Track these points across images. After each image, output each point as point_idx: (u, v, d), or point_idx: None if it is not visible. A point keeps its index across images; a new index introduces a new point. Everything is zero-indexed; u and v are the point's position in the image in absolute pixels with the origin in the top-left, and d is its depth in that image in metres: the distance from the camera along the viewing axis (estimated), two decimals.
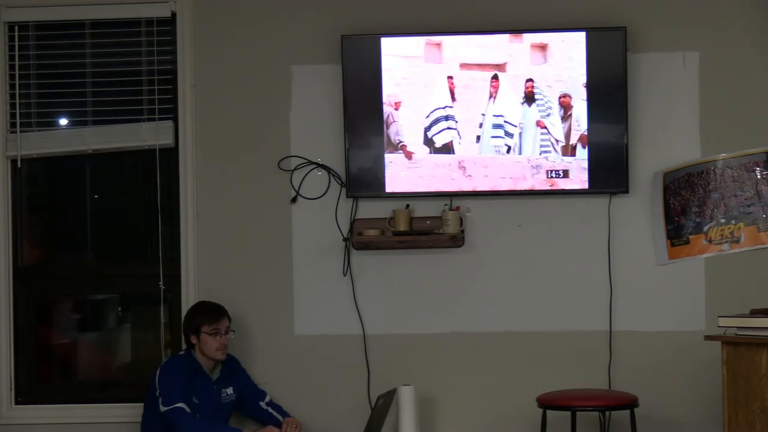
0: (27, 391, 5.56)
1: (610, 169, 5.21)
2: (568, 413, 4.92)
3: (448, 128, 5.25)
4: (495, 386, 5.30)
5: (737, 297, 5.01)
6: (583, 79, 5.18)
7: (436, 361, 5.33)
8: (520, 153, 5.23)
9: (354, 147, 5.28)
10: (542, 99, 5.21)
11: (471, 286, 5.33)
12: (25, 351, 5.56)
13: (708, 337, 4.49)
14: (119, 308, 5.67)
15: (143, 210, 5.58)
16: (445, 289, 5.34)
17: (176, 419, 4.83)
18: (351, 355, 5.36)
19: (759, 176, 5.17)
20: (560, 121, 5.20)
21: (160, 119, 5.46)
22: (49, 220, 5.70)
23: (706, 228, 5.21)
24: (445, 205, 5.30)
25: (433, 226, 5.28)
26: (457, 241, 5.26)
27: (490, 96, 5.23)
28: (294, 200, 5.40)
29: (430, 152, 5.26)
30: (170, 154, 5.49)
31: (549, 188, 5.23)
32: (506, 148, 5.23)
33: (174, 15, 5.45)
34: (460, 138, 5.24)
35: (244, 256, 5.40)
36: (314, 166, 5.40)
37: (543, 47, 5.20)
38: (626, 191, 5.23)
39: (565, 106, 5.20)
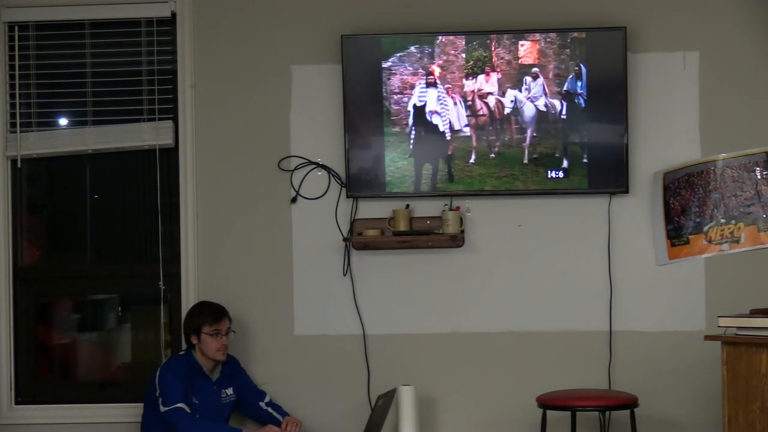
0: (27, 391, 5.56)
1: (610, 169, 5.21)
2: (568, 413, 4.92)
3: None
4: (495, 386, 5.30)
5: (737, 297, 5.01)
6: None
7: (436, 361, 5.33)
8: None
9: (354, 147, 5.28)
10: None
11: (471, 286, 5.33)
12: (25, 351, 5.56)
13: (708, 337, 4.49)
14: (119, 308, 5.67)
15: (143, 210, 5.58)
16: (445, 289, 5.34)
17: (176, 419, 4.83)
18: (351, 355, 5.36)
19: (759, 176, 5.17)
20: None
21: (160, 119, 5.46)
22: (49, 220, 5.70)
23: (706, 228, 5.21)
24: (445, 205, 5.30)
25: (433, 226, 5.28)
26: (457, 241, 5.26)
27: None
28: (294, 200, 5.40)
29: None
30: (170, 154, 5.49)
31: (549, 188, 5.23)
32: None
33: (174, 15, 5.45)
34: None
35: (244, 256, 5.40)
36: (314, 166, 5.40)
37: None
38: (626, 191, 5.23)
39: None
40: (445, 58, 5.25)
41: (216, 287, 5.36)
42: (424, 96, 5.25)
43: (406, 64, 5.25)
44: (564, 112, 5.20)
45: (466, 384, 5.32)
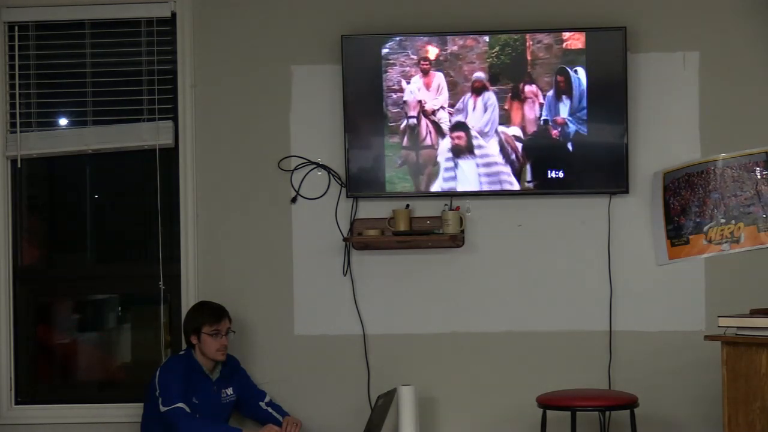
0: (27, 391, 5.56)
1: (610, 169, 5.20)
2: (568, 413, 4.92)
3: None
4: (495, 386, 5.30)
5: (737, 297, 5.00)
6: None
7: (436, 361, 5.33)
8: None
9: (354, 147, 5.28)
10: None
11: (471, 286, 5.33)
12: (25, 351, 5.56)
13: (708, 337, 4.49)
14: (119, 308, 5.67)
15: (143, 210, 5.58)
16: (445, 289, 5.34)
17: (176, 419, 4.82)
18: (351, 355, 5.36)
19: (759, 176, 5.17)
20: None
21: (160, 119, 5.46)
22: (49, 220, 5.70)
23: (706, 228, 5.21)
24: (445, 205, 5.30)
25: (433, 226, 5.28)
26: (457, 241, 5.26)
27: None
28: (294, 200, 5.40)
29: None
30: (170, 154, 5.49)
31: (549, 188, 5.23)
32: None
33: (174, 15, 5.45)
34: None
35: (244, 256, 5.40)
36: (314, 166, 5.40)
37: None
38: (626, 191, 5.23)
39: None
40: (460, 42, 5.13)
41: (216, 287, 5.36)
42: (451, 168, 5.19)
43: (409, 51, 5.21)
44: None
45: (466, 384, 5.32)
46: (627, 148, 5.19)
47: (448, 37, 5.19)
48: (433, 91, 5.07)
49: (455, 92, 5.16)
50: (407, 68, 5.21)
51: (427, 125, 5.13)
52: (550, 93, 5.13)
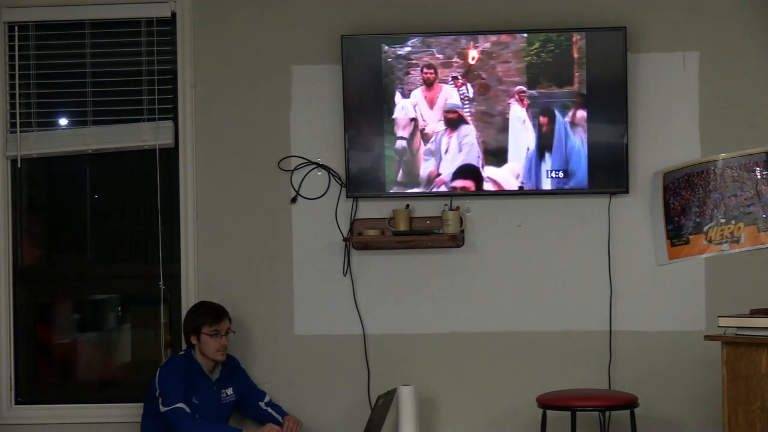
0: (27, 391, 5.56)
1: (610, 169, 5.20)
2: (568, 413, 4.92)
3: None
4: (495, 386, 5.30)
5: (737, 297, 5.01)
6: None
7: (436, 361, 5.33)
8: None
9: (354, 147, 5.28)
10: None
11: (471, 286, 5.33)
12: (25, 351, 5.56)
13: (708, 337, 4.49)
14: (119, 308, 5.67)
15: (143, 210, 5.58)
16: (445, 289, 5.34)
17: (176, 419, 4.82)
18: (351, 355, 5.36)
19: (759, 176, 5.17)
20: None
21: (160, 119, 5.46)
22: (49, 220, 5.70)
23: (706, 228, 5.21)
24: (445, 205, 5.30)
25: (433, 226, 5.28)
26: (457, 241, 5.26)
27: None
28: (294, 200, 5.40)
29: None
30: (170, 154, 5.49)
31: (549, 188, 5.23)
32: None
33: (174, 15, 5.45)
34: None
35: (244, 256, 5.40)
36: (314, 166, 5.40)
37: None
38: (626, 191, 5.23)
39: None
40: (490, 40, 4.96)
41: (216, 287, 5.36)
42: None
43: (434, 49, 5.17)
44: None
45: (466, 384, 5.32)
46: (627, 148, 5.19)
47: (462, 37, 5.18)
48: (438, 109, 4.96)
49: (487, 97, 5.03)
50: (417, 70, 5.21)
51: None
52: (532, 146, 5.04)
